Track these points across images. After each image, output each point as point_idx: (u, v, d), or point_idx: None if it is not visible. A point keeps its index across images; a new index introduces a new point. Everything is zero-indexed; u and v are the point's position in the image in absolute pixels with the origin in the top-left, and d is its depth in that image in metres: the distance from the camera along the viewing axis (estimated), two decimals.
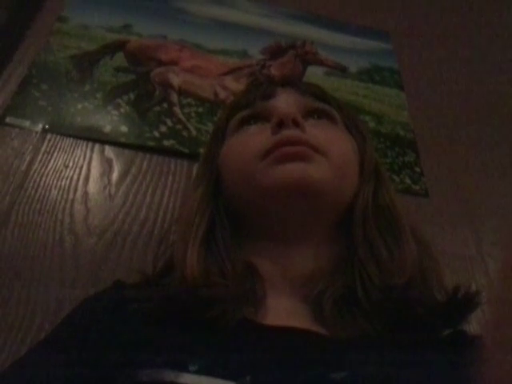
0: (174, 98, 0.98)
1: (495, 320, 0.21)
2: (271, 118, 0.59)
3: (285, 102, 0.62)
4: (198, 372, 0.41)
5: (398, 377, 0.42)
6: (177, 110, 0.96)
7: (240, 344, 0.46)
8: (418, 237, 0.57)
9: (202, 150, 0.77)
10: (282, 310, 0.52)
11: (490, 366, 0.20)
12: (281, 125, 0.56)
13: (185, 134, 0.93)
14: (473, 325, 0.53)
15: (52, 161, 0.84)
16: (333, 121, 0.63)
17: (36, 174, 0.81)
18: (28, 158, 0.83)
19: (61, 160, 0.84)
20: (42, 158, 0.83)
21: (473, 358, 0.48)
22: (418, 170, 1.01)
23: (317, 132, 0.58)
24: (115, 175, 0.85)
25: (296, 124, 0.56)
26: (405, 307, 0.49)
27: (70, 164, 0.84)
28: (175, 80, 1.01)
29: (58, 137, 0.87)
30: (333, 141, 0.59)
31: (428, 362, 0.45)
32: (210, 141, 0.68)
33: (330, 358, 0.45)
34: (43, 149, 0.85)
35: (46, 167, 0.83)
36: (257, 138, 0.58)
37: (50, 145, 0.85)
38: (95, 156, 0.86)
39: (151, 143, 0.90)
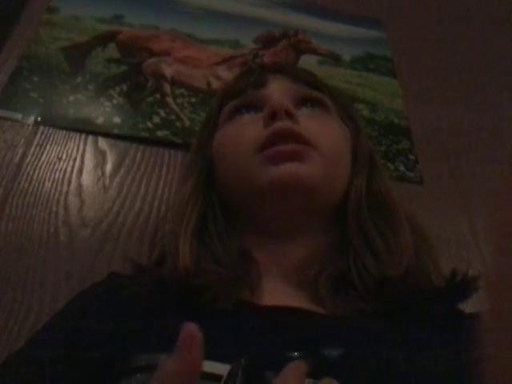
0: (167, 88, 0.97)
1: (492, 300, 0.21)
2: (263, 107, 0.58)
3: (277, 90, 0.61)
4: None
5: (393, 354, 0.43)
6: (170, 100, 0.96)
7: (235, 325, 0.46)
8: (414, 224, 0.57)
9: (193, 140, 0.76)
10: (279, 292, 0.53)
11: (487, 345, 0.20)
12: (273, 116, 0.56)
13: (178, 124, 0.92)
14: (468, 305, 0.54)
15: (45, 153, 0.83)
16: (326, 109, 0.62)
17: (29, 167, 0.81)
18: (21, 151, 0.82)
19: (54, 152, 0.84)
20: (34, 151, 0.83)
21: (469, 335, 0.49)
22: (412, 157, 1.01)
23: (309, 122, 0.58)
24: (109, 167, 0.84)
25: (289, 115, 0.56)
26: (403, 295, 0.50)
27: (64, 156, 0.84)
28: (168, 70, 1.00)
29: (51, 129, 0.86)
30: (326, 132, 0.58)
31: (425, 340, 0.46)
32: (202, 129, 0.68)
33: (326, 335, 0.45)
34: (36, 141, 0.84)
35: (39, 160, 0.82)
36: (250, 129, 0.58)
37: (42, 137, 0.85)
38: (88, 148, 0.86)
39: (144, 134, 0.89)
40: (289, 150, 0.54)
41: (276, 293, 0.52)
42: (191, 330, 0.27)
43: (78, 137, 0.87)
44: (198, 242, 0.54)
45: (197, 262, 0.51)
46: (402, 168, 0.98)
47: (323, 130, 0.58)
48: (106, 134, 0.88)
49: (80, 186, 0.81)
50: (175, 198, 0.63)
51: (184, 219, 0.56)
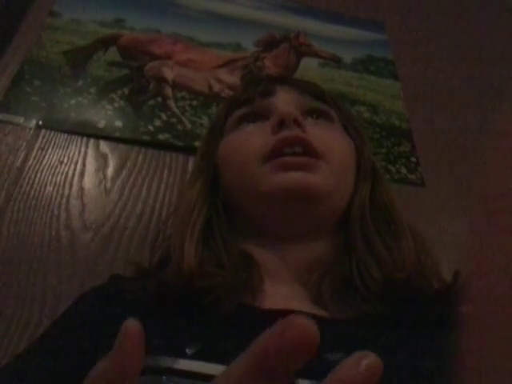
0: (168, 91, 0.98)
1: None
2: (270, 116, 0.59)
3: (284, 100, 0.61)
4: (195, 356, 0.41)
5: (396, 358, 0.42)
6: (171, 103, 0.96)
7: (237, 328, 0.46)
8: (414, 233, 0.57)
9: (198, 145, 0.76)
10: (281, 295, 0.53)
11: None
12: (281, 124, 0.56)
13: (179, 127, 0.93)
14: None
15: (47, 157, 0.83)
16: (331, 120, 0.63)
17: (31, 171, 0.81)
18: (22, 155, 0.82)
19: (55, 156, 0.84)
20: (36, 154, 0.83)
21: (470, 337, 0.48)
22: (413, 159, 1.01)
23: (316, 131, 0.58)
24: (110, 170, 0.84)
25: (297, 124, 0.56)
26: (405, 298, 0.50)
27: (65, 160, 0.84)
28: (169, 74, 1.00)
29: (52, 133, 0.86)
30: (332, 141, 0.59)
31: (428, 343, 0.46)
32: (208, 136, 0.68)
33: (327, 338, 0.45)
34: (37, 145, 0.84)
35: (41, 163, 0.82)
36: (256, 136, 0.58)
37: (44, 141, 0.85)
38: (90, 151, 0.86)
39: (146, 137, 0.90)
40: (297, 161, 0.54)
41: (278, 296, 0.52)
42: (131, 327, 0.23)
43: (79, 140, 0.87)
44: (202, 245, 0.54)
45: (200, 264, 0.51)
46: (403, 170, 0.98)
47: (330, 139, 0.59)
48: (108, 138, 0.88)
49: (81, 189, 0.81)
50: (180, 202, 0.63)
51: (190, 223, 0.56)
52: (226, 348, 0.43)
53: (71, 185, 0.81)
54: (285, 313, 0.50)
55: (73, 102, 0.91)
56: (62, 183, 0.81)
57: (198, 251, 0.53)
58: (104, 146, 0.87)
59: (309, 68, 1.11)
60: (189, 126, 0.93)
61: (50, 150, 0.84)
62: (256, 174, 0.55)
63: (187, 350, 0.42)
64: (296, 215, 0.56)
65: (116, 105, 0.93)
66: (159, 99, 0.96)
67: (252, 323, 0.48)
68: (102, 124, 0.89)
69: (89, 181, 0.82)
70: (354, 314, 0.49)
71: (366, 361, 0.20)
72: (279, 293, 0.53)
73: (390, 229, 0.57)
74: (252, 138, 0.58)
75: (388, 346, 0.45)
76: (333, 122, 0.63)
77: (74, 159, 0.84)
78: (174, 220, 0.65)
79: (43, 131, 0.86)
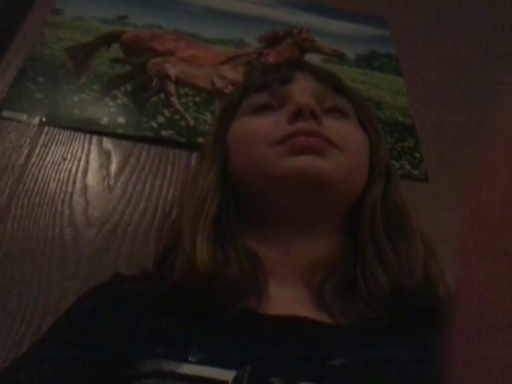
0: (171, 88, 0.97)
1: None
2: (287, 103, 0.58)
3: (303, 89, 0.60)
4: (198, 362, 0.41)
5: (397, 363, 0.42)
6: (174, 100, 0.96)
7: (241, 334, 0.46)
8: (423, 238, 0.56)
9: (209, 126, 0.75)
10: (284, 299, 0.52)
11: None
12: (298, 115, 0.55)
13: (183, 123, 0.92)
14: None
15: (50, 154, 0.83)
16: (347, 116, 0.62)
17: (34, 167, 0.81)
18: (26, 152, 0.82)
19: (59, 153, 0.84)
20: (39, 151, 0.83)
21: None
22: (417, 155, 1.00)
23: (333, 124, 0.57)
24: (114, 167, 0.84)
25: (314, 116, 0.55)
26: (410, 305, 0.49)
27: (68, 156, 0.84)
28: (172, 70, 1.00)
29: (56, 129, 0.87)
30: (349, 134, 0.58)
31: (430, 349, 0.45)
32: (220, 117, 0.66)
33: (330, 345, 0.45)
34: (41, 142, 0.84)
35: (44, 160, 0.82)
36: (271, 122, 0.57)
37: (47, 138, 0.85)
38: (93, 148, 0.86)
39: (149, 134, 0.90)
40: (311, 143, 0.53)
41: (282, 299, 0.52)
42: None
43: (82, 137, 0.87)
44: (213, 241, 0.52)
45: (212, 263, 0.50)
46: (407, 166, 0.98)
47: (346, 132, 0.58)
48: (111, 134, 0.88)
49: (85, 185, 0.81)
50: (193, 188, 0.60)
51: (202, 214, 0.54)
52: (229, 355, 0.43)
53: (75, 181, 0.81)
54: (287, 319, 0.50)
55: (76, 98, 0.91)
56: (65, 180, 0.81)
57: (209, 248, 0.51)
58: (107, 143, 0.87)
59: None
60: (192, 122, 0.93)
61: (53, 146, 0.84)
62: (265, 156, 0.54)
63: (190, 358, 0.42)
64: (304, 201, 0.55)
65: (119, 101, 0.93)
66: (162, 96, 0.96)
67: (255, 329, 0.47)
68: (105, 121, 0.89)
69: (92, 177, 0.82)
70: (356, 319, 0.48)
71: None
72: (283, 296, 0.52)
73: (399, 232, 0.55)
74: (265, 123, 0.57)
75: (389, 353, 0.44)
76: (349, 116, 0.62)
77: (78, 156, 0.84)
78: (182, 210, 0.60)
79: (46, 128, 0.86)
